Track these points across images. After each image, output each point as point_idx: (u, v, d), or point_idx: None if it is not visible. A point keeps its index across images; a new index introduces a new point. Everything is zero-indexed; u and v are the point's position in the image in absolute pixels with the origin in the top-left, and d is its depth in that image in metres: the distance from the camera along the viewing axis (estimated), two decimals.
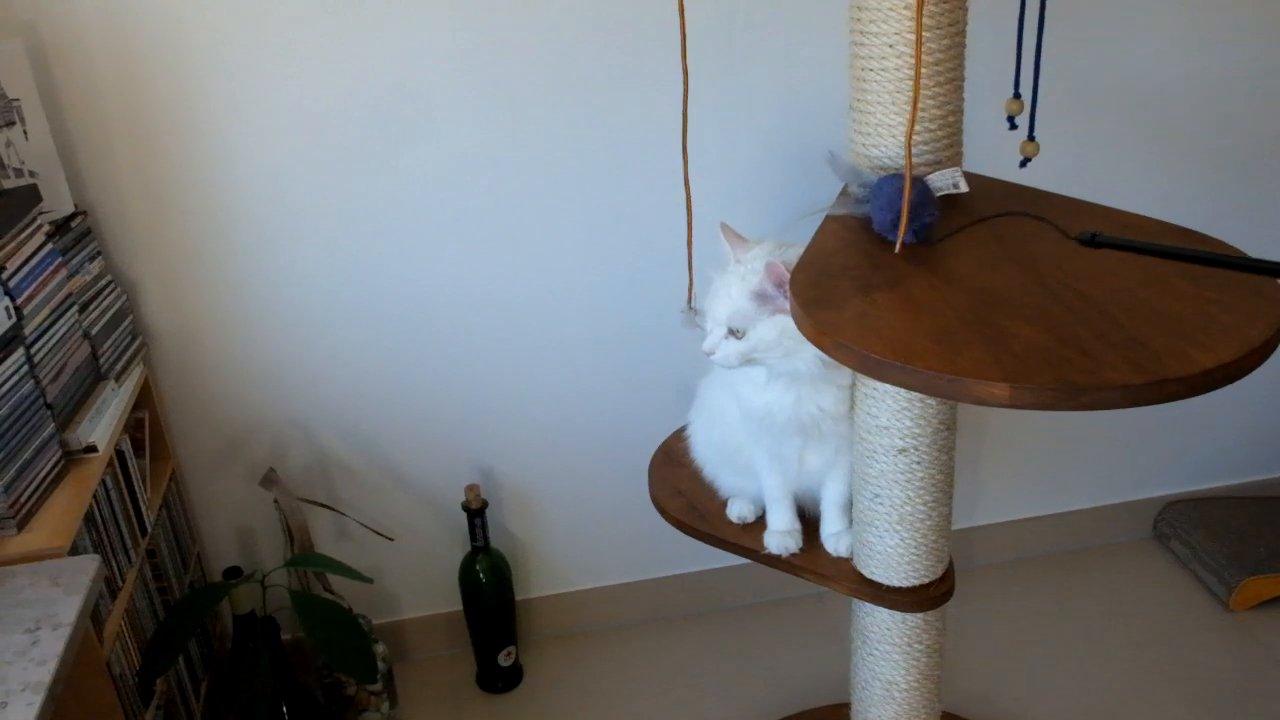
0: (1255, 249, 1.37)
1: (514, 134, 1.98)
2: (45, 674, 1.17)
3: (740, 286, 1.47)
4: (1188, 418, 2.51)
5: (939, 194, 1.37)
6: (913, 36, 1.34)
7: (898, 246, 1.34)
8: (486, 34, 1.90)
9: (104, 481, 1.70)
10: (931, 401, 1.47)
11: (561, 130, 1.99)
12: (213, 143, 1.90)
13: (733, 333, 1.48)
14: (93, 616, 1.53)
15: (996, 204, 1.45)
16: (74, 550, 1.52)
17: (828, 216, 1.47)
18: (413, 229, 2.02)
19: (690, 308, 1.74)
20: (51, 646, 1.21)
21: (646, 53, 1.95)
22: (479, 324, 2.12)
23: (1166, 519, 2.58)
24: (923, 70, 1.35)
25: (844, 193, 1.49)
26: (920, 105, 1.37)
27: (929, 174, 1.38)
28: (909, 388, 1.15)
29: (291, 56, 1.86)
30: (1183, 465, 2.59)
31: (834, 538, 1.70)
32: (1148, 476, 2.59)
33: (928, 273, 1.30)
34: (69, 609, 1.28)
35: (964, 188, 1.39)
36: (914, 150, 1.40)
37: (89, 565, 1.36)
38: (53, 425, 1.61)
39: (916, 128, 1.38)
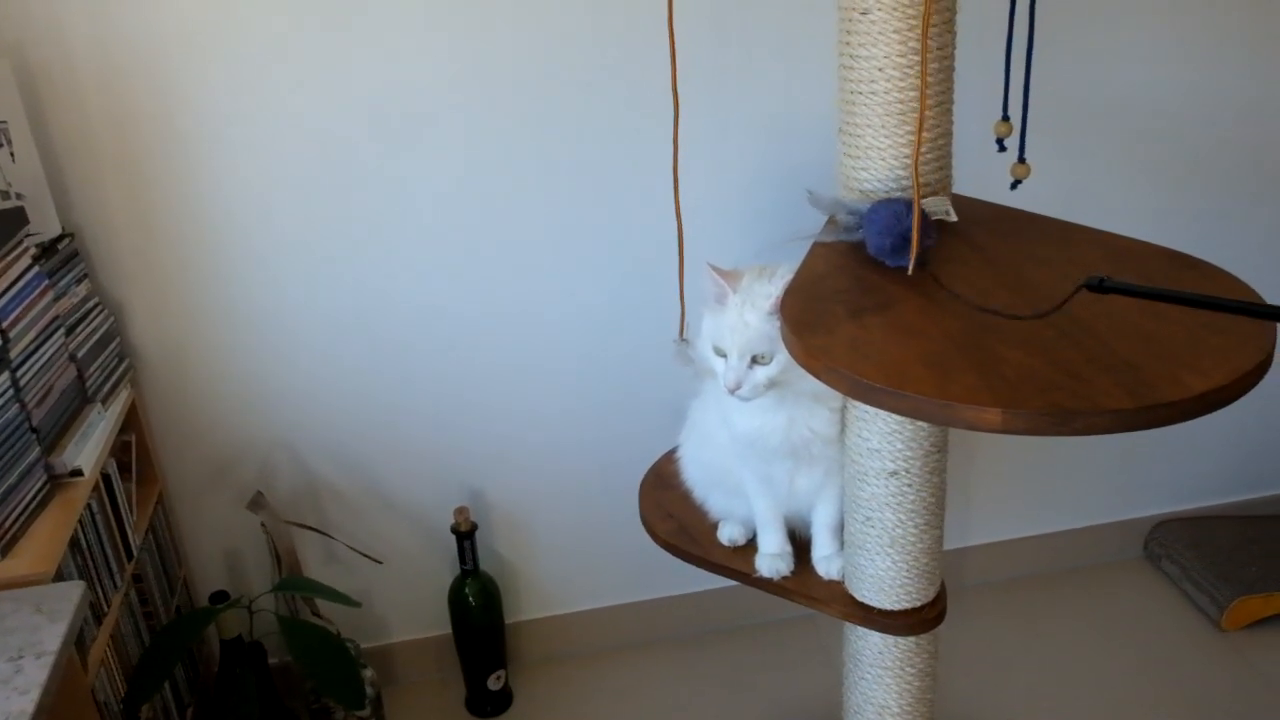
0: (1245, 269, 1.37)
1: (504, 157, 1.98)
2: (28, 703, 1.16)
3: (754, 313, 1.45)
4: (1179, 437, 2.52)
5: (934, 219, 1.37)
6: (902, 60, 1.34)
7: (910, 269, 1.34)
8: (477, 58, 1.90)
9: (89, 506, 1.68)
10: (922, 424, 1.46)
11: (553, 152, 1.99)
12: (200, 164, 1.89)
13: (756, 361, 1.47)
14: (77, 643, 1.51)
15: (988, 227, 1.45)
16: (59, 576, 1.51)
17: (816, 243, 1.46)
18: (402, 251, 2.02)
19: (683, 339, 1.73)
20: (34, 675, 1.20)
21: (637, 76, 1.95)
22: (468, 345, 2.11)
23: (1158, 538, 2.58)
24: (913, 95, 1.35)
25: (831, 221, 1.48)
26: (910, 129, 1.37)
27: (921, 199, 1.37)
28: (901, 413, 1.14)
29: (280, 79, 1.86)
30: (1174, 484, 2.60)
31: (825, 560, 1.69)
32: (1139, 496, 2.59)
33: (919, 297, 1.30)
34: (53, 637, 1.26)
35: (953, 217, 1.39)
36: (903, 173, 1.40)
37: (73, 592, 1.35)
38: (38, 449, 1.60)
39: (905, 151, 1.38)
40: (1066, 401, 1.06)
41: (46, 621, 1.29)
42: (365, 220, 1.98)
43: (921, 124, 1.35)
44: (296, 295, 2.01)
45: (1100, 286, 1.12)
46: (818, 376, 1.21)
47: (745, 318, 1.46)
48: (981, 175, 1.62)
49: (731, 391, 1.47)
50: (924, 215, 1.35)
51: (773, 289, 1.45)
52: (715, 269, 1.49)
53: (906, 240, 1.34)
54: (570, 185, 2.02)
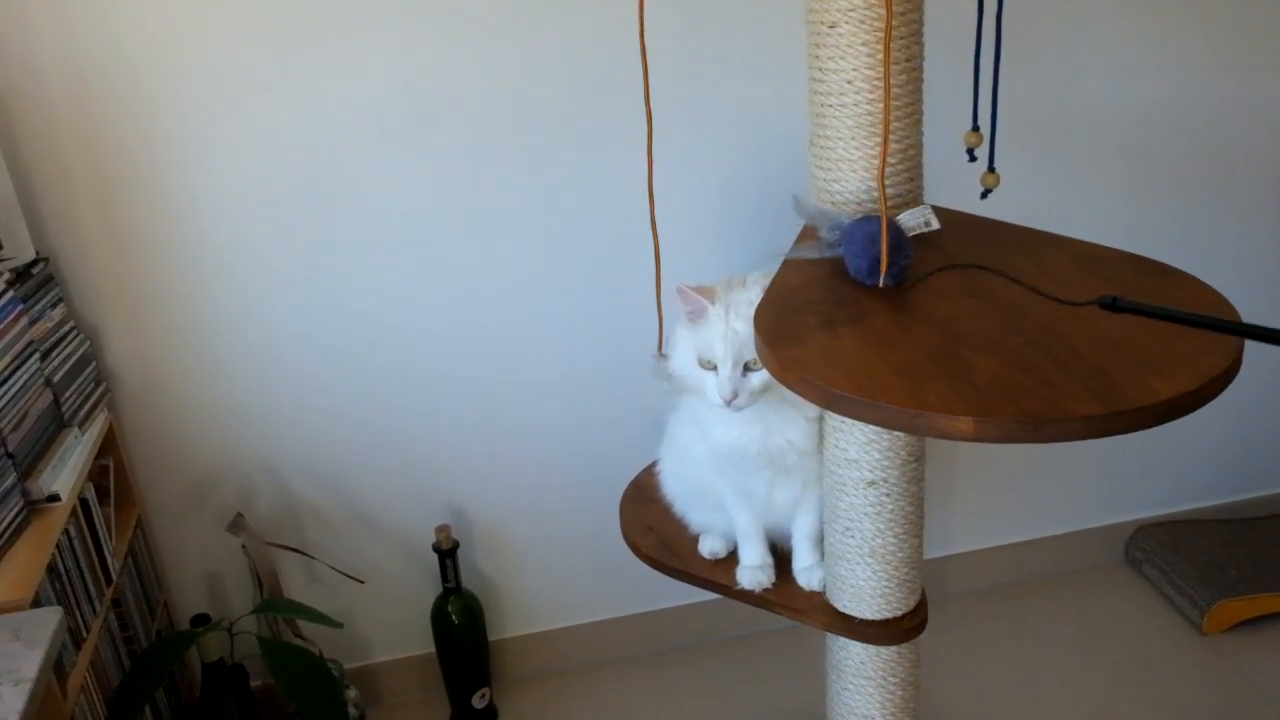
0: (1216, 275, 1.38)
1: (480, 175, 1.98)
2: None
3: (740, 320, 1.46)
4: (1158, 441, 2.53)
5: (911, 234, 1.37)
6: (870, 72, 1.35)
7: (880, 282, 1.34)
8: (453, 74, 1.91)
9: (67, 531, 1.68)
10: (899, 434, 1.47)
11: (528, 168, 2.00)
12: (175, 186, 1.89)
13: (748, 368, 1.47)
14: (56, 668, 1.50)
15: (959, 237, 1.46)
16: (36, 602, 1.50)
17: (786, 260, 1.46)
18: (380, 270, 2.02)
19: (661, 354, 1.74)
20: (12, 703, 1.19)
21: (614, 93, 1.96)
22: (447, 363, 2.11)
23: (1138, 543, 2.59)
24: (881, 106, 1.36)
25: (807, 235, 1.48)
26: (880, 140, 1.38)
27: (898, 213, 1.38)
28: (873, 423, 1.15)
29: (254, 98, 1.86)
30: (1154, 489, 2.61)
31: (806, 572, 1.70)
32: (1119, 501, 2.60)
33: (891, 307, 1.30)
34: (30, 663, 1.26)
35: (935, 225, 1.40)
36: (875, 185, 1.40)
37: (51, 617, 1.34)
38: (14, 475, 1.59)
39: (876, 163, 1.39)
40: (1037, 408, 1.07)
41: (24, 648, 1.28)
42: (342, 240, 1.98)
43: (886, 138, 1.36)
44: (273, 316, 2.01)
45: (1114, 306, 1.11)
46: (791, 387, 1.22)
47: (733, 326, 1.46)
48: (952, 185, 1.64)
49: (728, 403, 1.47)
50: (900, 231, 1.35)
51: (752, 295, 1.46)
52: (688, 287, 1.50)
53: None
54: (545, 202, 2.03)
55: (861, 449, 1.48)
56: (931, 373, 1.15)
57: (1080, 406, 1.07)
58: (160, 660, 1.86)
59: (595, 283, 2.11)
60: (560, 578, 2.35)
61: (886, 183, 1.41)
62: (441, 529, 2.15)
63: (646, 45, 1.58)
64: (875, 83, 1.35)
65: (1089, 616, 2.48)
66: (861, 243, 1.35)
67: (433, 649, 2.27)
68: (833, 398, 1.15)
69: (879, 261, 1.33)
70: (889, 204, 1.41)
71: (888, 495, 1.51)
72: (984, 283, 1.34)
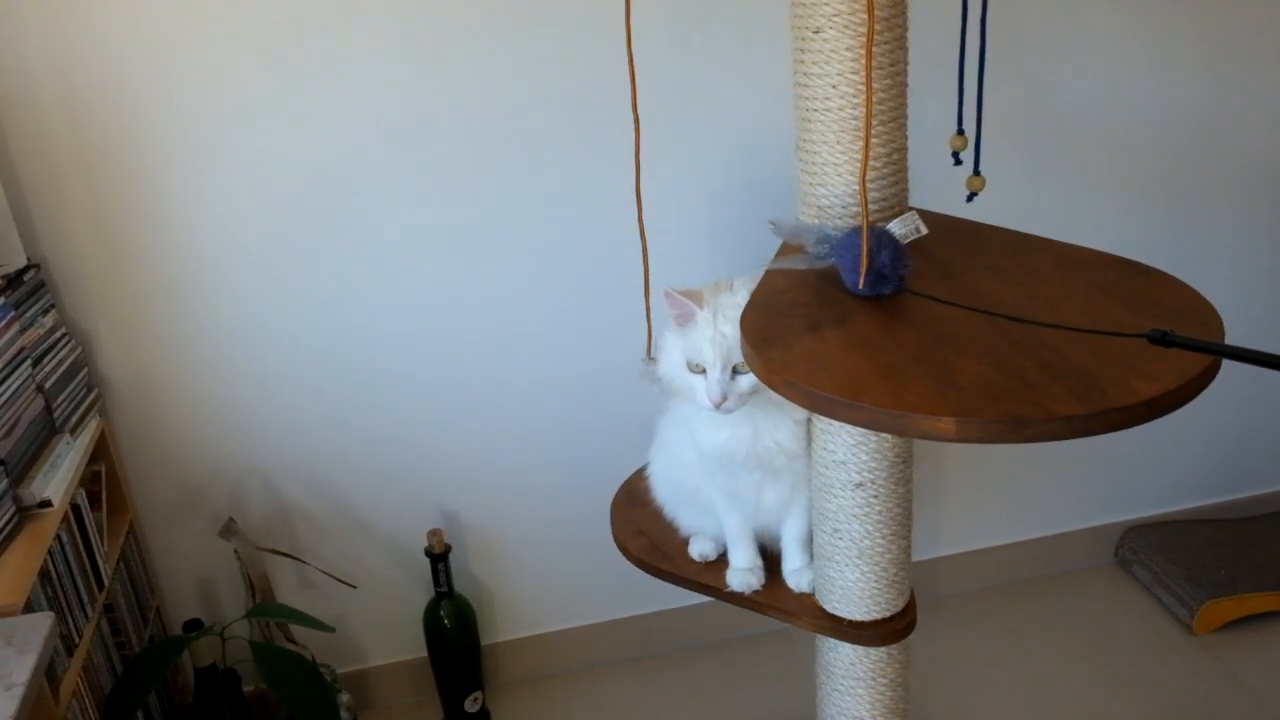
0: (1197, 275, 1.39)
1: (472, 183, 1.99)
2: None
3: (728, 324, 1.46)
4: (1147, 442, 2.54)
5: (905, 241, 1.37)
6: (855, 77, 1.36)
7: (861, 283, 1.33)
8: (443, 81, 1.92)
9: (59, 536, 1.68)
10: (886, 435, 1.48)
11: (519, 177, 2.01)
12: (166, 192, 1.90)
13: (736, 370, 1.48)
14: (48, 674, 1.51)
15: (944, 240, 1.47)
16: (29, 608, 1.50)
17: (787, 270, 1.47)
18: (371, 275, 2.02)
19: (650, 358, 1.74)
20: (4, 708, 1.20)
21: (605, 101, 1.97)
22: (438, 367, 2.12)
23: (1128, 544, 2.60)
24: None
25: (791, 249, 1.48)
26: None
27: (888, 223, 1.38)
28: (857, 424, 1.16)
29: (247, 104, 1.87)
30: (1143, 490, 2.62)
31: (795, 574, 1.70)
32: (1109, 502, 2.61)
33: (876, 310, 1.31)
34: (22, 668, 1.26)
35: (924, 230, 1.40)
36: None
37: (43, 623, 1.34)
38: (6, 481, 1.60)
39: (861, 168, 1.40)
40: (1019, 409, 1.08)
41: (16, 654, 1.29)
42: (334, 247, 1.99)
43: (868, 144, 1.37)
44: (265, 321, 2.02)
45: (1164, 340, 1.11)
46: (776, 389, 1.22)
47: (721, 329, 1.47)
48: (938, 189, 1.65)
49: (717, 406, 1.47)
50: (895, 242, 1.35)
51: (740, 299, 1.46)
52: (676, 291, 1.51)
53: (883, 276, 1.34)
54: (536, 209, 2.04)
55: (849, 451, 1.49)
56: (915, 374, 1.16)
57: (1061, 407, 1.08)
58: (153, 665, 1.87)
59: (585, 287, 2.11)
60: (552, 581, 2.36)
61: (873, 187, 1.42)
62: (433, 533, 2.16)
63: (634, 53, 1.59)
64: (860, 87, 1.36)
65: (1079, 617, 2.49)
66: (857, 257, 1.34)
67: (425, 653, 2.28)
68: (817, 399, 1.16)
69: (880, 276, 1.32)
70: (876, 208, 1.42)
71: (875, 497, 1.52)
72: (970, 285, 1.35)
